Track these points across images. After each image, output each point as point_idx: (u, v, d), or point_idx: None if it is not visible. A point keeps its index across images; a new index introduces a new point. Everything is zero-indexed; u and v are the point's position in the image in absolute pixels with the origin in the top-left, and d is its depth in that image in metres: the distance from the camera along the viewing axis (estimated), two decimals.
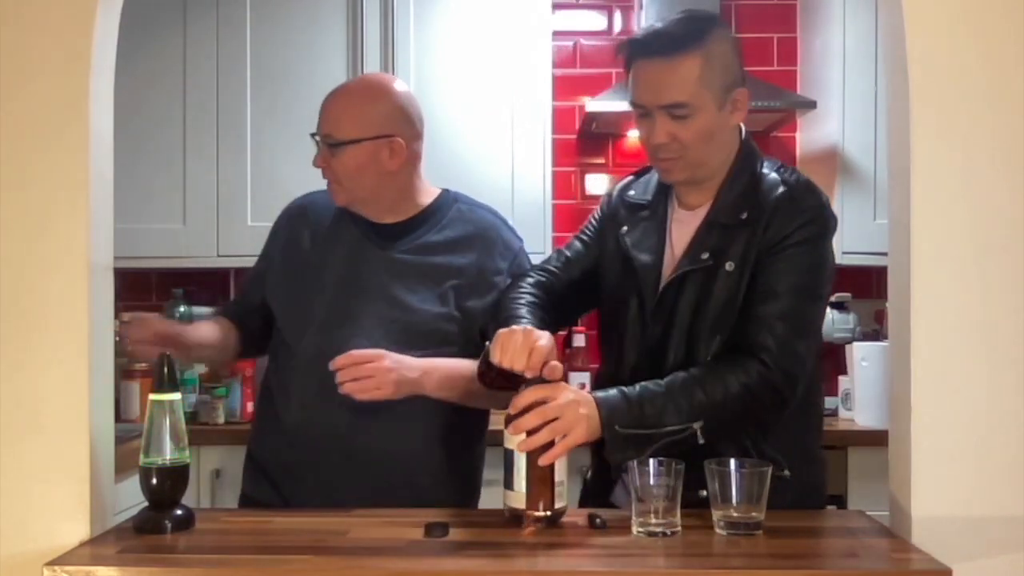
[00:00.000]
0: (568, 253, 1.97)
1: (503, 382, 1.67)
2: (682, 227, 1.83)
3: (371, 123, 1.90)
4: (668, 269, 1.81)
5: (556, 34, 3.42)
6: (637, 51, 1.76)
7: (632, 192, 1.93)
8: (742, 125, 1.84)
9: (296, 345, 1.94)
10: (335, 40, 3.21)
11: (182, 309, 3.22)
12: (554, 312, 1.86)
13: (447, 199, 2.03)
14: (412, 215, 1.99)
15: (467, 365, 1.81)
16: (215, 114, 3.23)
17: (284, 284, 2.00)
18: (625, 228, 1.88)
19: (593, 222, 1.98)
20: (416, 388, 1.82)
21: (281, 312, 2.00)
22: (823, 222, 1.77)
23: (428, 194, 2.02)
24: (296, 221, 2.05)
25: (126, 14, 1.68)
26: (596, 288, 1.94)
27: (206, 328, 2.01)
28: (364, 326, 1.89)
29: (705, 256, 1.76)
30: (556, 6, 3.42)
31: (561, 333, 3.32)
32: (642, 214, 1.89)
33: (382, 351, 1.81)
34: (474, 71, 3.24)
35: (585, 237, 1.97)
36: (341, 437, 1.87)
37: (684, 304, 1.76)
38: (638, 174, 1.97)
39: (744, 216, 1.76)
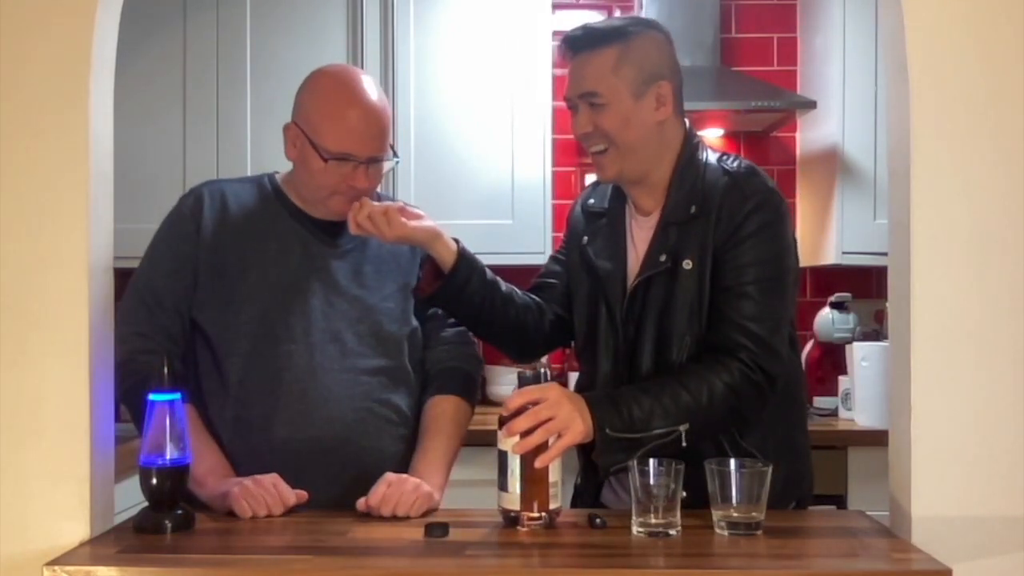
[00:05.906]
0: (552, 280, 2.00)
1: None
2: (642, 230, 1.85)
3: None
4: (633, 274, 1.82)
5: (556, 34, 3.41)
6: (567, 48, 1.81)
7: (592, 201, 1.96)
8: (687, 122, 1.85)
9: (271, 362, 1.81)
10: (335, 40, 3.21)
11: None
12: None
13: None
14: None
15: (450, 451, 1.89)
16: (215, 114, 3.23)
17: (245, 297, 1.83)
18: (587, 239, 1.91)
19: (563, 244, 2.03)
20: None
21: (251, 330, 1.82)
22: (774, 206, 1.76)
23: None
24: (218, 221, 1.88)
25: (126, 14, 1.68)
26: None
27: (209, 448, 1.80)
28: (342, 331, 1.85)
29: (663, 258, 1.77)
30: (556, 6, 3.42)
31: None
32: (601, 222, 1.91)
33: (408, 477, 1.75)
34: (474, 71, 3.24)
35: (557, 267, 2.02)
36: (335, 450, 1.80)
37: (651, 308, 1.78)
38: (596, 183, 1.99)
39: (693, 210, 1.76)
